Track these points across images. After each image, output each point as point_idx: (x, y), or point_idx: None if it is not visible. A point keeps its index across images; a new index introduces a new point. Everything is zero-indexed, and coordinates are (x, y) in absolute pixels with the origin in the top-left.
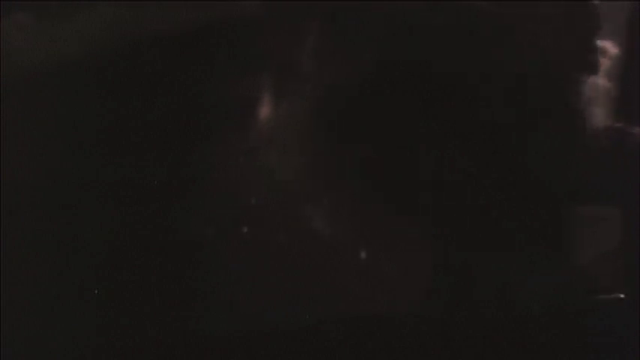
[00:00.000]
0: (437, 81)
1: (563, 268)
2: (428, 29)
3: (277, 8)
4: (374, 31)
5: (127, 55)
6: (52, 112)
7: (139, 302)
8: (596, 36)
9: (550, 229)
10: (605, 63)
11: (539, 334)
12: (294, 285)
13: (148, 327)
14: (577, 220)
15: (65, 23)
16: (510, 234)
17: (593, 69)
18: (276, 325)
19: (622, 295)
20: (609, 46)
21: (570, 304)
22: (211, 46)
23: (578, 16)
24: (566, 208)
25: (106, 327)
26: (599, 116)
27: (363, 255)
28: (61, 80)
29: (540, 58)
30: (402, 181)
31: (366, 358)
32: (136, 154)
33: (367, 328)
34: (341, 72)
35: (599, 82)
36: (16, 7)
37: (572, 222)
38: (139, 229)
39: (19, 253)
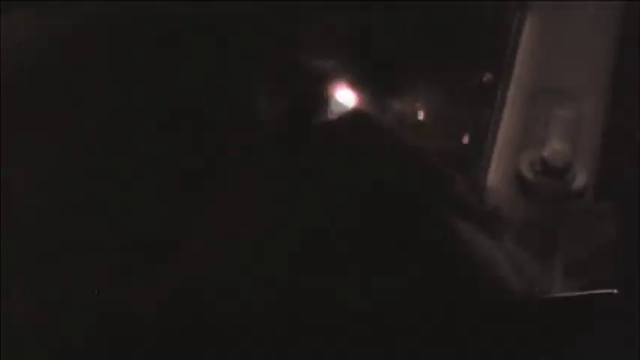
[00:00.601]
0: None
1: (559, 264)
2: None
3: (277, 8)
4: None
5: (127, 54)
6: (53, 111)
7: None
8: None
9: (545, 225)
10: None
11: (535, 330)
12: (287, 279)
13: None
14: (574, 216)
15: (65, 20)
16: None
17: None
18: (269, 320)
19: (615, 291)
20: None
21: (567, 301)
22: (211, 45)
23: None
24: (561, 204)
25: (103, 315)
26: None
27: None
28: (61, 78)
29: None
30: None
31: (362, 357)
32: (136, 154)
33: (362, 325)
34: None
35: None
36: (16, 5)
37: (569, 218)
38: (139, 227)
39: (19, 252)
